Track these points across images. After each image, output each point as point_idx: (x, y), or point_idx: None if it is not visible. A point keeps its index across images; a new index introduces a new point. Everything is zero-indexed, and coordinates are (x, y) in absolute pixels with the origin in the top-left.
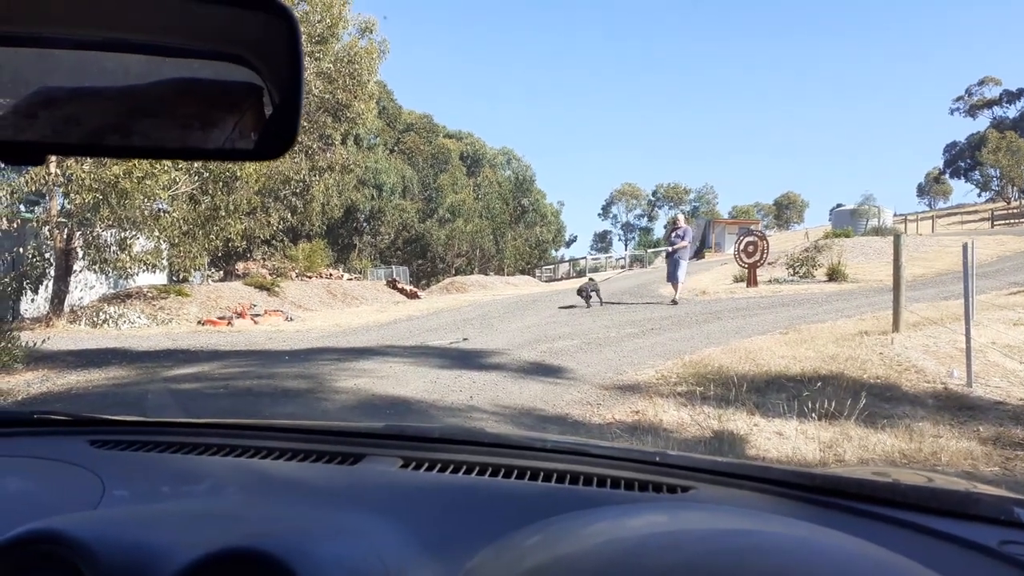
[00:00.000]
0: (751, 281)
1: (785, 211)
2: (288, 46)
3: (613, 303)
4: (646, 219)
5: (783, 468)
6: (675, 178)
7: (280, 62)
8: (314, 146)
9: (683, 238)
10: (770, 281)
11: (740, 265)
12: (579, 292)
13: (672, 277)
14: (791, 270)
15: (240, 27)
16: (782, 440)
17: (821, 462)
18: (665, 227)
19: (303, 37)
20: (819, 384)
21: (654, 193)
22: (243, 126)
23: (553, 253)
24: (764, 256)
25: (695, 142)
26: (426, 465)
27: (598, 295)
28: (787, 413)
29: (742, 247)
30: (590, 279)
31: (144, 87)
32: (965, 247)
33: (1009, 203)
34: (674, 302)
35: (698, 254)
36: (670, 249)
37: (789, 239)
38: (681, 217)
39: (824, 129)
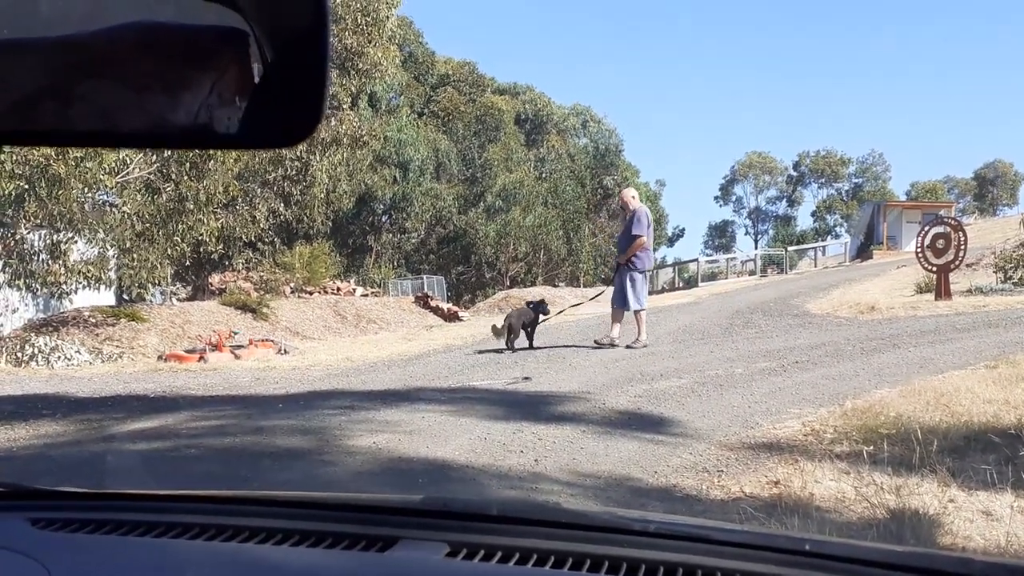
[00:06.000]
0: (942, 291)
1: (990, 188)
2: None
3: (733, 328)
4: (785, 203)
5: (992, 561)
6: (826, 143)
7: None
8: None
9: (634, 229)
10: (970, 290)
11: (925, 268)
12: (496, 330)
13: (621, 301)
14: (1001, 274)
15: None
16: (990, 522)
17: None
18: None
19: None
20: None
21: (796, 166)
22: (223, 87)
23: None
24: (960, 255)
25: (854, 90)
26: (481, 553)
27: (526, 330)
28: (998, 483)
29: (928, 242)
30: (530, 302)
31: (87, 37)
32: None
33: None
34: (610, 344)
35: (862, 253)
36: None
37: (997, 229)
38: (631, 194)
39: None
